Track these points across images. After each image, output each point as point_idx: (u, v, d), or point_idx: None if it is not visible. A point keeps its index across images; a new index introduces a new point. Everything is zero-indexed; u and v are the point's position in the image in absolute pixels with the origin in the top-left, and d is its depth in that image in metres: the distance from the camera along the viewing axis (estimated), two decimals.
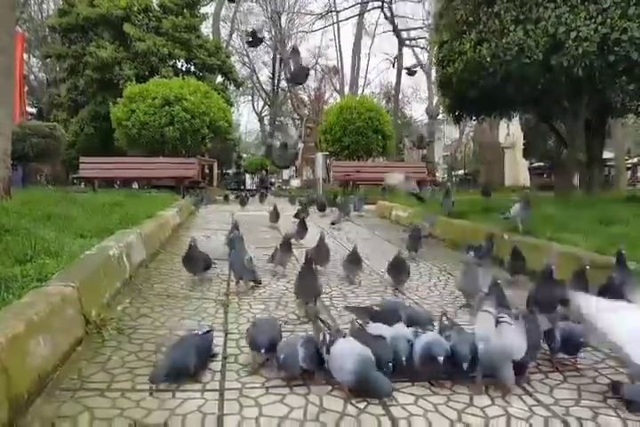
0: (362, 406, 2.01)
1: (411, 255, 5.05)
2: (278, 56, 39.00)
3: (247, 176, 35.07)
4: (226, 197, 12.62)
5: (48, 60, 26.76)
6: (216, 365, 2.38)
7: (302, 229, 5.67)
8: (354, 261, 4.06)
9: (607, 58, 6.50)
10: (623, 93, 8.69)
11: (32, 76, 32.55)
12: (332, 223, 7.45)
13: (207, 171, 22.47)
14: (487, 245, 4.48)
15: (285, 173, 36.97)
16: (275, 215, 7.39)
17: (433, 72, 19.58)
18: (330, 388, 2.14)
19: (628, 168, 26.90)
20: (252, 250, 4.36)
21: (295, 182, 30.47)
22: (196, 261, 3.92)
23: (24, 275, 2.62)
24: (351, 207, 8.65)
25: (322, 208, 9.07)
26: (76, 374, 2.21)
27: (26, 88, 23.21)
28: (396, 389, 2.12)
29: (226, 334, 2.79)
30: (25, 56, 22.80)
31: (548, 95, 8.26)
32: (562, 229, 4.72)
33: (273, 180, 35.10)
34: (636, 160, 29.23)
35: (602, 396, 2.11)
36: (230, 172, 33.54)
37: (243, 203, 10.44)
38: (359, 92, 36.32)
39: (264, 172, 32.10)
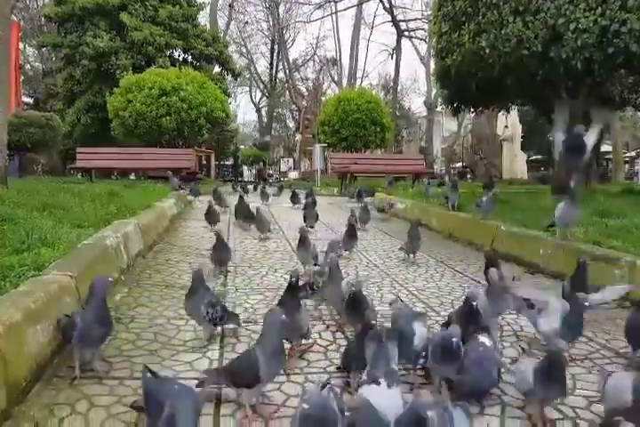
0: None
1: (409, 259, 4.66)
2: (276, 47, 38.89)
3: (245, 168, 35.05)
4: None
5: (44, 49, 26.61)
6: (213, 353, 2.39)
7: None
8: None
9: (606, 50, 6.47)
10: (622, 86, 8.70)
11: (28, 66, 32.34)
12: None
13: (204, 162, 22.45)
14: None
15: (284, 165, 36.97)
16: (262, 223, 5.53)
17: (431, 64, 19.51)
18: (327, 376, 2.15)
19: (626, 162, 26.92)
20: None
21: (293, 174, 30.48)
22: None
23: (21, 264, 2.61)
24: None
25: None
26: (74, 362, 2.21)
27: (21, 78, 23.09)
28: None
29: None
30: (20, 45, 22.66)
31: (547, 87, 8.24)
32: None
33: (271, 171, 35.07)
34: (633, 154, 29.25)
35: None
36: (228, 163, 33.51)
37: (211, 218, 6.00)
38: (357, 83, 36.25)
39: (262, 163, 32.06)
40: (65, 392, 1.94)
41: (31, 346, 2.00)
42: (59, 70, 23.49)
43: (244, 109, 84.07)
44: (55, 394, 1.92)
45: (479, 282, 3.85)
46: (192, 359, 2.32)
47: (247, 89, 46.13)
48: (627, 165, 26.99)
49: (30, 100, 29.23)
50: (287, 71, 39.57)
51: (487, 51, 7.24)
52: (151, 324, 2.75)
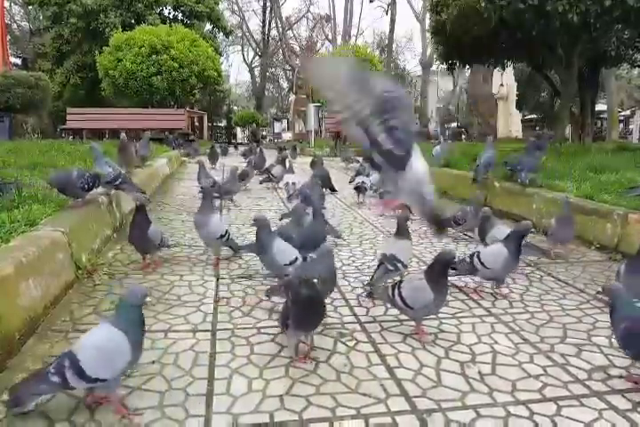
0: (351, 344, 2.05)
1: None
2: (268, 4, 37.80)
3: (238, 129, 34.64)
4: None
5: (30, 7, 25.78)
6: (208, 307, 2.40)
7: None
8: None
9: (603, 3, 6.31)
10: (618, 41, 8.53)
11: (15, 26, 31.44)
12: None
13: (197, 123, 22.16)
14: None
15: (277, 127, 36.48)
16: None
17: (427, 20, 19.09)
18: (321, 328, 2.17)
19: (621, 121, 26.69)
20: None
21: (287, 136, 30.10)
22: None
23: (12, 220, 2.59)
24: None
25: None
26: (68, 316, 2.22)
27: (8, 37, 22.45)
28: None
29: (217, 279, 2.81)
30: (6, 4, 21.91)
31: (543, 43, 8.09)
32: (554, 176, 4.71)
33: (264, 133, 34.65)
34: (628, 112, 28.97)
35: None
36: (221, 125, 33.12)
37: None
38: (352, 41, 35.39)
39: (255, 125, 31.69)
40: (59, 345, 1.95)
41: (24, 300, 2.00)
42: (46, 29, 22.87)
43: (236, 70, 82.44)
44: (49, 347, 1.93)
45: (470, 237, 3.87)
46: (186, 313, 2.33)
47: (239, 48, 45.05)
48: (621, 124, 26.77)
49: (18, 61, 28.56)
50: (280, 29, 38.59)
51: (483, 4, 7.05)
52: (145, 280, 2.76)
